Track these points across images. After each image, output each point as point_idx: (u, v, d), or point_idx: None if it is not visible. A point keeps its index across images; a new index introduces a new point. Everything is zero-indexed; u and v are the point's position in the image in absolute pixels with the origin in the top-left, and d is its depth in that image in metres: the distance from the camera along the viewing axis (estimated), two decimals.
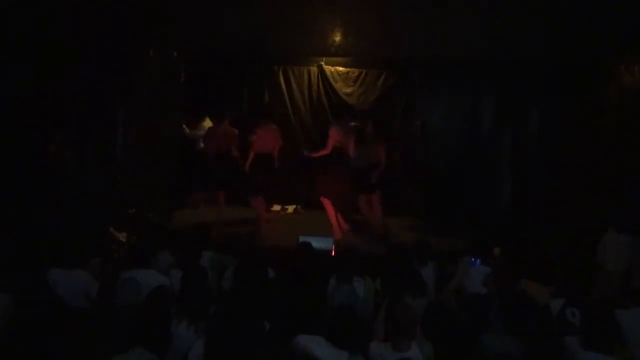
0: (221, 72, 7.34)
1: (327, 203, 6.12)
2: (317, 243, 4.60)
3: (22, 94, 4.84)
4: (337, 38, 6.17)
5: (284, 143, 6.75)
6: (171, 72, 6.65)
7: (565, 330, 3.08)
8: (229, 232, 5.95)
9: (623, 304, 3.33)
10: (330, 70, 7.52)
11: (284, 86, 7.58)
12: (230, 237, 5.47)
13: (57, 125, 5.25)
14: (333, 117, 7.48)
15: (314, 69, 7.57)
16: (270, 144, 6.46)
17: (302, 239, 4.74)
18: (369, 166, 6.04)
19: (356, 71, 7.50)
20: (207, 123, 7.01)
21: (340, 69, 7.52)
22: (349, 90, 7.52)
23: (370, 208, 6.24)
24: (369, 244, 5.89)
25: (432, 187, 7.05)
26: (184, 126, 7.09)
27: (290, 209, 7.47)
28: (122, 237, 5.63)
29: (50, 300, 3.39)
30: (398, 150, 6.68)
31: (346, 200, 6.17)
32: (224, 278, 3.90)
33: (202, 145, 6.77)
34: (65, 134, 5.31)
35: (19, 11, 4.66)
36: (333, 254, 5.07)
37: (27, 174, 4.88)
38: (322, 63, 7.49)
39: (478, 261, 4.01)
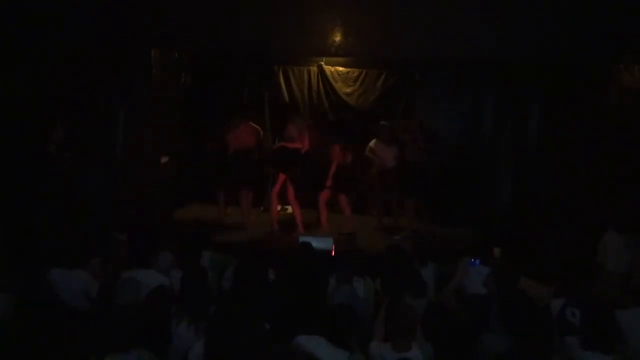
0: (221, 72, 7.35)
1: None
2: (317, 243, 4.61)
3: (22, 93, 4.84)
4: (337, 38, 6.17)
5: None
6: (171, 72, 6.65)
7: (565, 330, 3.08)
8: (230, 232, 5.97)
9: (623, 304, 3.33)
10: (330, 70, 7.51)
11: (284, 86, 7.58)
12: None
13: (57, 125, 5.24)
14: (333, 117, 7.52)
15: (314, 69, 7.57)
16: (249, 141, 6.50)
17: (302, 239, 4.75)
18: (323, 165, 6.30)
19: (356, 71, 7.50)
20: None
21: (340, 69, 7.52)
22: (349, 90, 7.52)
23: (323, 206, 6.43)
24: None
25: (432, 187, 7.05)
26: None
27: (290, 209, 7.46)
28: (122, 237, 5.63)
29: (50, 300, 3.39)
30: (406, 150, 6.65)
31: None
32: (224, 278, 3.90)
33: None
34: (66, 134, 5.31)
35: (19, 11, 4.66)
36: (333, 254, 5.07)
37: (27, 174, 4.88)
38: (322, 63, 7.49)
39: (478, 261, 4.02)
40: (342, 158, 6.26)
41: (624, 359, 2.85)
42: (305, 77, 7.61)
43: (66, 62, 5.19)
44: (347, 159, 6.33)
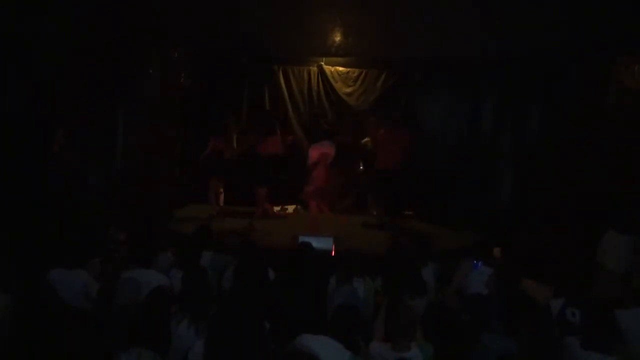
0: (221, 72, 7.35)
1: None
2: (317, 243, 4.60)
3: (24, 94, 4.84)
4: (337, 38, 6.18)
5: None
6: (171, 72, 6.65)
7: (565, 330, 3.08)
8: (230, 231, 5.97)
9: (623, 304, 3.33)
10: (330, 70, 7.52)
11: (284, 86, 7.58)
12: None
13: (59, 125, 5.24)
14: (333, 117, 7.53)
15: (314, 69, 7.57)
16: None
17: (302, 239, 4.74)
18: None
19: (356, 71, 7.50)
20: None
21: (340, 69, 7.52)
22: (349, 90, 7.52)
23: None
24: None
25: (431, 187, 7.06)
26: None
27: (290, 209, 7.47)
28: (122, 237, 5.62)
29: (50, 300, 3.39)
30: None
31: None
32: (224, 278, 3.90)
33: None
34: (66, 134, 5.30)
35: (19, 12, 4.66)
36: (333, 254, 5.07)
37: (30, 174, 4.88)
38: (322, 63, 7.49)
39: (480, 264, 4.02)
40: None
41: (624, 359, 2.86)
42: (305, 77, 7.61)
43: (66, 62, 5.18)
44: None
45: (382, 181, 6.40)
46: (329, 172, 6.39)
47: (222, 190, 7.06)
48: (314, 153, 6.50)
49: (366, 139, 6.80)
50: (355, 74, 7.51)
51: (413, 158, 6.59)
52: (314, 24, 5.69)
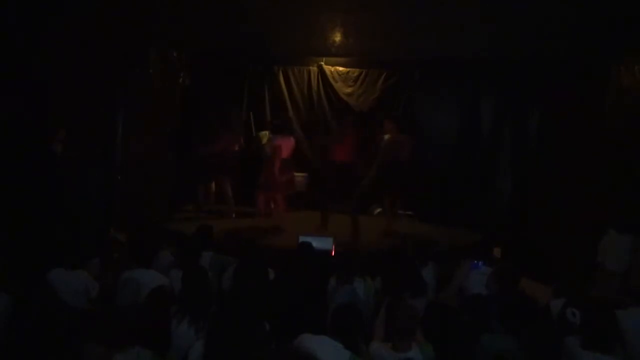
0: (221, 72, 7.35)
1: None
2: (317, 243, 4.60)
3: (24, 94, 4.84)
4: (337, 38, 6.17)
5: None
6: (171, 72, 6.65)
7: (565, 330, 3.08)
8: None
9: (623, 304, 3.33)
10: (330, 70, 7.52)
11: (284, 86, 7.58)
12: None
13: (59, 125, 5.24)
14: (333, 117, 7.53)
15: (314, 69, 7.57)
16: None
17: (302, 239, 4.74)
18: None
19: (356, 71, 7.50)
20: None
21: (340, 69, 7.52)
22: (349, 90, 7.52)
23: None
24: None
25: (431, 187, 7.06)
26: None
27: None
28: (122, 237, 5.63)
29: (50, 300, 3.38)
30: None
31: None
32: (224, 278, 3.90)
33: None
34: (68, 134, 5.31)
35: (19, 11, 4.66)
36: (333, 254, 5.07)
37: (32, 174, 4.88)
38: (322, 63, 7.49)
39: (480, 264, 4.02)
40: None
41: (624, 359, 2.86)
42: (305, 77, 7.60)
43: (66, 62, 5.18)
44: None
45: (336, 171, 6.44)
46: (282, 166, 6.41)
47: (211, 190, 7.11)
48: (277, 146, 6.42)
49: (387, 135, 6.77)
50: (355, 74, 7.51)
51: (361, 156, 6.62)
52: (314, 24, 5.68)
